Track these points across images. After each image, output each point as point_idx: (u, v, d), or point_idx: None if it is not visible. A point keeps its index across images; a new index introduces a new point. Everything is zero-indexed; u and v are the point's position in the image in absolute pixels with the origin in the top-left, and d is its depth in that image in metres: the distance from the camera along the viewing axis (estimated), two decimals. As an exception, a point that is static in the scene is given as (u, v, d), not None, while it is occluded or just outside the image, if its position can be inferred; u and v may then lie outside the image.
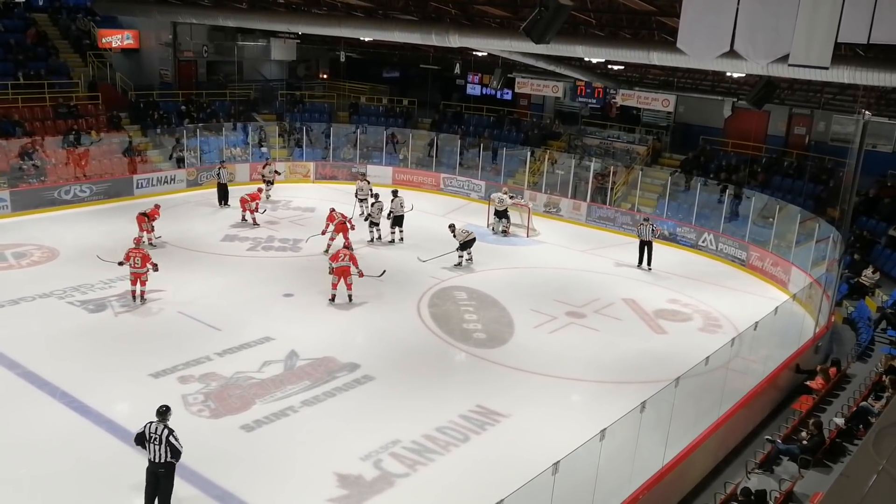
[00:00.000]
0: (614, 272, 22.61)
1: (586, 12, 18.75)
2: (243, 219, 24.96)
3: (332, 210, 22.63)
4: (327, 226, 22.49)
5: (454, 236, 21.83)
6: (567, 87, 33.27)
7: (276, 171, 28.87)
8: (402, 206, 23.68)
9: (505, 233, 25.92)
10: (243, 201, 24.82)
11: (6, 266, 19.81)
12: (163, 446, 9.84)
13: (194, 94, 33.63)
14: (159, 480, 10.01)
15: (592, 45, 19.57)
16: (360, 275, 18.51)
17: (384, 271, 20.27)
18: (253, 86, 36.94)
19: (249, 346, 15.78)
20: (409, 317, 18.13)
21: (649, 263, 22.82)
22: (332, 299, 18.41)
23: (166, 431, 9.90)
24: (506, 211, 26.10)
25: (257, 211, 24.89)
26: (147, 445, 9.93)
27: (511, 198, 26.63)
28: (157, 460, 9.92)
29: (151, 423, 9.97)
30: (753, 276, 23.02)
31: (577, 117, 35.05)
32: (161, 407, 10.17)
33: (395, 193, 24.15)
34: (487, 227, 26.51)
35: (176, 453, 9.94)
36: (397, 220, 23.69)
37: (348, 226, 22.34)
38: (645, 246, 22.95)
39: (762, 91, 21.11)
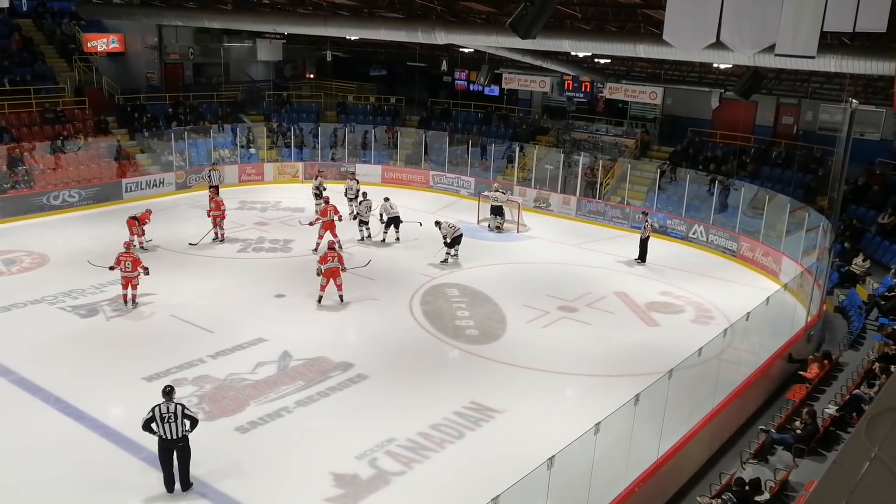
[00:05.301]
0: (606, 266, 22.63)
1: (572, 6, 18.78)
2: (216, 236, 23.01)
3: (326, 203, 22.70)
4: (317, 219, 22.52)
5: (440, 230, 21.85)
6: (554, 82, 33.25)
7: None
8: (392, 208, 23.62)
9: (499, 229, 25.91)
10: (216, 215, 23.02)
11: (-4, 273, 19.73)
12: (179, 421, 10.56)
13: (181, 96, 33.52)
14: (178, 454, 10.79)
15: (578, 39, 19.57)
16: (344, 269, 18.49)
17: (369, 261, 20.51)
18: (240, 87, 36.84)
19: (242, 348, 15.76)
20: (401, 315, 18.13)
21: (644, 258, 22.87)
22: (320, 301, 18.38)
23: (179, 407, 10.69)
24: (501, 207, 26.11)
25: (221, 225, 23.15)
26: (160, 426, 10.52)
27: (502, 193, 26.64)
28: (174, 437, 10.62)
29: (158, 405, 10.58)
30: (744, 267, 23.08)
31: (565, 112, 35.07)
32: (166, 387, 10.90)
33: (385, 199, 24.07)
34: (478, 223, 26.51)
35: (195, 422, 10.84)
36: (392, 221, 23.61)
37: (336, 221, 22.30)
38: (645, 241, 23.00)
39: (749, 81, 21.17)
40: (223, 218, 23.05)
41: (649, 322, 18.47)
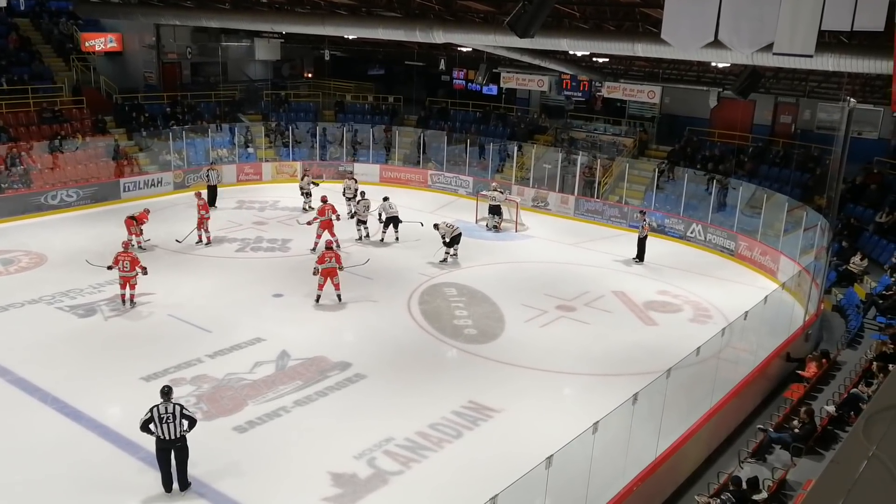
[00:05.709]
0: (604, 265, 22.63)
1: (570, 5, 18.77)
2: (200, 239, 22.66)
3: (324, 202, 22.69)
4: (315, 218, 22.52)
5: (438, 230, 21.85)
6: (552, 81, 33.26)
7: (313, 183, 27.64)
8: (391, 207, 23.56)
9: (496, 228, 25.88)
10: (202, 220, 22.64)
11: (-7, 273, 19.70)
12: (177, 421, 10.55)
13: (179, 95, 33.48)
14: (176, 454, 10.77)
15: (577, 38, 19.58)
16: (342, 269, 18.45)
17: (368, 260, 20.55)
18: (238, 86, 36.80)
19: (240, 348, 15.75)
20: (399, 314, 18.12)
21: (642, 257, 22.86)
22: (318, 300, 18.37)
23: (178, 407, 10.68)
24: (499, 207, 26.09)
25: (207, 227, 22.80)
26: (159, 427, 10.51)
27: (500, 193, 26.64)
28: (172, 437, 10.60)
29: (157, 406, 10.56)
30: (742, 266, 23.09)
31: (563, 111, 35.07)
32: (164, 388, 10.87)
33: (385, 198, 24.03)
34: (476, 222, 26.49)
35: (193, 422, 10.81)
36: (391, 221, 23.57)
37: (334, 220, 22.31)
38: (643, 240, 22.98)
39: (747, 80, 21.17)
40: (203, 220, 22.61)
41: (647, 321, 18.47)
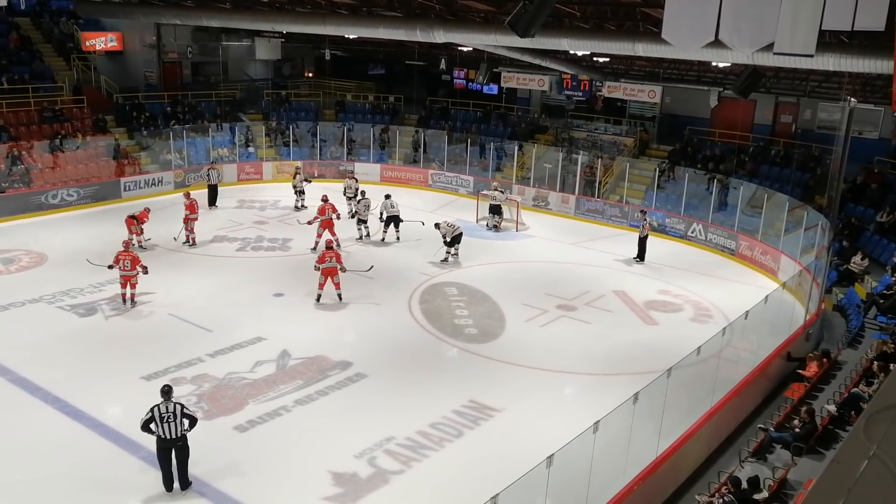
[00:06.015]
0: (604, 264, 22.62)
1: (571, 5, 18.78)
2: (187, 239, 22.50)
3: (324, 202, 22.68)
4: (315, 218, 22.51)
5: (439, 230, 21.85)
6: (553, 81, 33.25)
7: (306, 180, 27.96)
8: (392, 206, 23.53)
9: (497, 227, 25.87)
10: (186, 219, 22.53)
11: (-6, 272, 19.70)
12: (178, 420, 10.56)
13: (180, 95, 33.49)
14: (177, 453, 10.78)
15: (577, 38, 19.59)
16: (344, 270, 18.44)
17: (371, 266, 20.30)
18: (238, 86, 36.79)
19: (241, 347, 15.75)
20: (400, 314, 18.12)
21: (642, 257, 22.85)
22: (318, 299, 18.37)
23: (178, 406, 10.69)
24: (499, 206, 26.08)
25: (192, 227, 22.57)
26: (159, 427, 10.52)
27: (501, 192, 26.64)
28: (173, 436, 10.61)
29: (157, 405, 10.57)
30: (743, 266, 23.08)
31: (564, 110, 35.05)
32: (164, 387, 10.88)
33: (387, 196, 24.01)
34: (476, 222, 26.49)
35: (194, 421, 10.83)
36: (392, 220, 23.54)
37: (334, 219, 22.31)
38: (644, 240, 22.96)
39: (748, 80, 21.17)
40: (188, 220, 22.42)
41: (648, 321, 18.47)
